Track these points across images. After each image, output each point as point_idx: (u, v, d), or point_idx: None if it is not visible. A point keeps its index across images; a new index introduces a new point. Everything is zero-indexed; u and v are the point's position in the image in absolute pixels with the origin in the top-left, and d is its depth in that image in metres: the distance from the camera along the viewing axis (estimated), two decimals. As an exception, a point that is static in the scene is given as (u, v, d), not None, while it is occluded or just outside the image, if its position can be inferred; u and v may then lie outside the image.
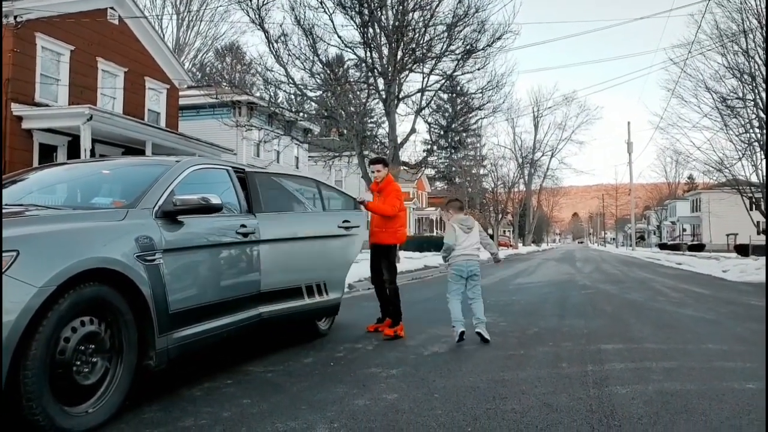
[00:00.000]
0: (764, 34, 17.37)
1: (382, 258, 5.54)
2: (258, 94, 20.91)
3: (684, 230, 54.73)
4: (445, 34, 15.54)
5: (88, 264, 2.65)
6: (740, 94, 19.60)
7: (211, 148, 17.91)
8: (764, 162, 19.28)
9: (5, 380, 2.26)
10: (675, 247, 44.61)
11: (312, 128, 26.24)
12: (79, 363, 2.62)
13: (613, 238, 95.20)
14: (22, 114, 13.77)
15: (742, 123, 20.42)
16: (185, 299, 3.32)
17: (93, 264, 2.68)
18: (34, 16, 14.19)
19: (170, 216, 3.35)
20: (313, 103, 19.43)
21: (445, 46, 15.70)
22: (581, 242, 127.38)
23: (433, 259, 19.79)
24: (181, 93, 20.00)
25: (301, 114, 19.43)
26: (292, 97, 18.04)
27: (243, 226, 4.03)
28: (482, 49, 15.96)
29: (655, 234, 70.82)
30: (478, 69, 16.44)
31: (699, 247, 41.29)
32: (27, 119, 13.88)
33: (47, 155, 14.56)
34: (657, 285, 11.86)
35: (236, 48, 39.88)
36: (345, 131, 17.15)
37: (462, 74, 16.63)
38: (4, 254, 2.33)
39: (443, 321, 6.16)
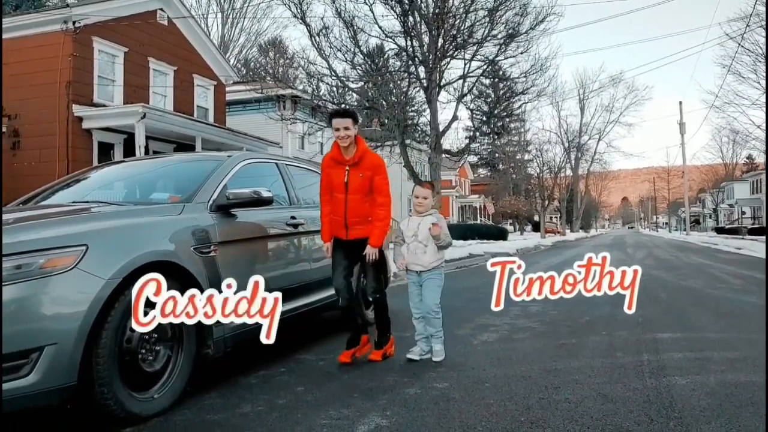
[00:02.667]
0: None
1: (366, 259, 3.83)
2: (301, 88, 21.16)
3: (743, 213, 52.18)
4: (487, 19, 15.29)
5: (150, 257, 2.78)
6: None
7: (257, 142, 18.27)
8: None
9: (81, 367, 2.41)
10: (734, 231, 42.65)
11: (355, 119, 26.32)
12: (144, 351, 2.76)
13: (666, 223, 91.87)
14: (82, 114, 14.42)
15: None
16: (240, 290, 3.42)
17: (154, 257, 2.81)
18: (91, 21, 14.78)
19: (224, 209, 3.47)
20: (354, 94, 19.52)
21: (486, 31, 15.45)
22: (632, 227, 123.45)
23: (478, 247, 19.64)
24: (227, 89, 20.45)
25: (343, 105, 19.55)
26: (334, 89, 18.17)
27: (292, 217, 4.13)
28: (525, 33, 15.64)
29: (711, 218, 67.87)
30: (521, 53, 16.13)
31: (761, 231, 39.34)
32: (87, 119, 14.53)
33: (105, 153, 15.21)
34: (715, 271, 11.38)
35: (279, 42, 40.40)
36: (386, 121, 17.17)
37: (504, 59, 16.37)
38: (75, 248, 2.47)
39: (490, 310, 6.13)
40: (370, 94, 17.42)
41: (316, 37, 14.84)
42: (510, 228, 43.40)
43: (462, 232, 28.10)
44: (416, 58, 15.56)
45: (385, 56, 19.37)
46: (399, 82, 16.86)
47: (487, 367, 3.70)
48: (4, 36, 15.00)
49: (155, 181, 4.06)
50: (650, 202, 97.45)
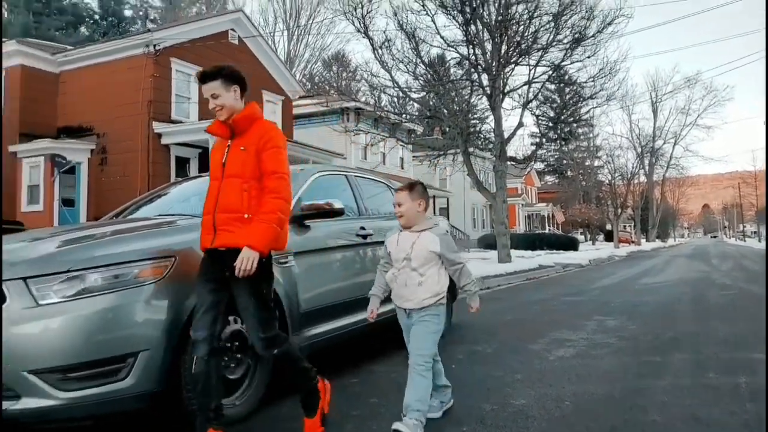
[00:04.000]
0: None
1: (240, 283, 2.49)
2: (363, 99, 21.47)
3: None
4: (552, 24, 14.94)
5: (232, 268, 2.88)
6: None
7: (323, 154, 18.65)
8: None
9: (170, 373, 2.52)
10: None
11: (415, 129, 26.43)
12: (226, 359, 2.85)
13: (755, 232, 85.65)
14: (161, 131, 15.29)
15: None
16: (314, 299, 3.50)
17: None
18: (169, 43, 15.69)
19: (298, 221, 3.55)
20: (415, 104, 19.56)
21: (551, 36, 15.10)
22: (714, 236, 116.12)
23: (547, 257, 19.09)
24: (294, 103, 21.07)
25: (404, 116, 19.65)
26: (395, 99, 18.30)
27: (362, 228, 4.17)
28: (592, 37, 15.15)
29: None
30: (588, 57, 15.61)
31: None
32: (165, 135, 15.37)
33: (182, 166, 16.03)
34: (812, 284, 10.49)
35: (342, 57, 41.26)
36: (448, 129, 17.08)
37: (571, 63, 15.89)
38: (165, 259, 2.60)
39: (564, 324, 5.94)
40: (431, 103, 17.41)
41: (379, 50, 15.03)
42: (580, 237, 41.94)
43: (530, 241, 27.42)
44: (479, 66, 15.42)
45: (447, 65, 19.34)
46: (461, 90, 16.75)
47: (566, 384, 3.57)
48: (95, 61, 16.20)
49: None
50: (735, 210, 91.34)
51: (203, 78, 2.68)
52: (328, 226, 3.80)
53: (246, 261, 2.40)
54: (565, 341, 4.99)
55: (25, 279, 2.40)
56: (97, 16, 36.17)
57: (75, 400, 2.33)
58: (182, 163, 16.10)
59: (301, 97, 21.87)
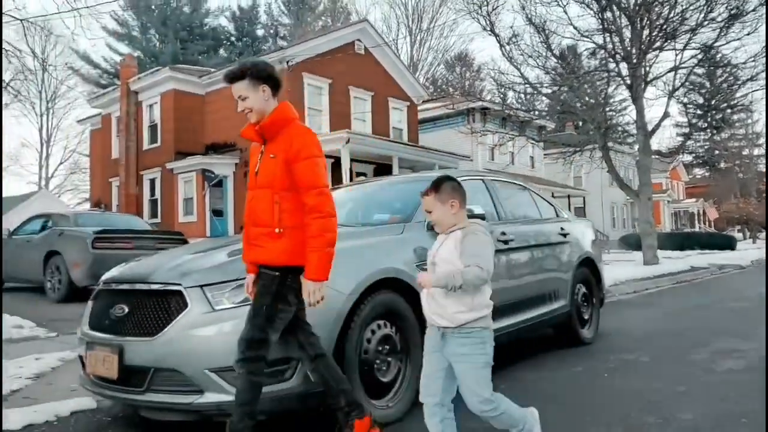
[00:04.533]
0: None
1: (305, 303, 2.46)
2: (488, 98, 21.11)
3: None
4: (702, 1, 13.52)
5: (381, 274, 2.99)
6: None
7: (449, 157, 18.67)
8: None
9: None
10: None
11: (546, 125, 25.41)
12: (378, 362, 2.95)
13: None
14: (296, 143, 16.31)
15: None
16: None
17: (384, 274, 3.02)
18: (300, 59, 16.71)
19: (439, 227, 3.58)
20: (545, 99, 18.82)
21: (702, 15, 13.66)
22: None
23: (700, 258, 17.33)
24: (419, 108, 21.34)
25: (534, 112, 18.98)
26: (522, 96, 17.74)
27: (503, 233, 4.10)
28: (753, 11, 13.45)
29: None
30: (748, 34, 13.87)
31: None
32: (300, 147, 16.37)
33: (316, 176, 16.94)
34: None
35: (465, 57, 40.98)
36: (581, 124, 16.17)
37: (726, 43, 14.25)
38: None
39: (730, 332, 5.36)
40: (562, 97, 16.63)
41: (506, 47, 14.67)
42: (738, 236, 37.49)
43: (677, 241, 25.05)
44: (617, 55, 14.42)
45: (579, 57, 18.36)
46: (597, 81, 15.79)
47: (740, 399, 3.20)
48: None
49: (374, 203, 4.35)
50: None
51: (229, 78, 2.49)
52: (468, 231, 3.79)
53: (312, 295, 2.34)
54: (733, 352, 4.49)
55: (202, 287, 2.68)
56: (233, 38, 39.55)
57: (248, 396, 2.55)
58: (317, 173, 17.01)
59: (425, 101, 22.09)
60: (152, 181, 19.15)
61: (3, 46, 8.21)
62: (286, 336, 2.50)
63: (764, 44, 13.64)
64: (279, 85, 2.51)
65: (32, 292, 9.56)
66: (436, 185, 2.36)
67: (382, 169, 17.96)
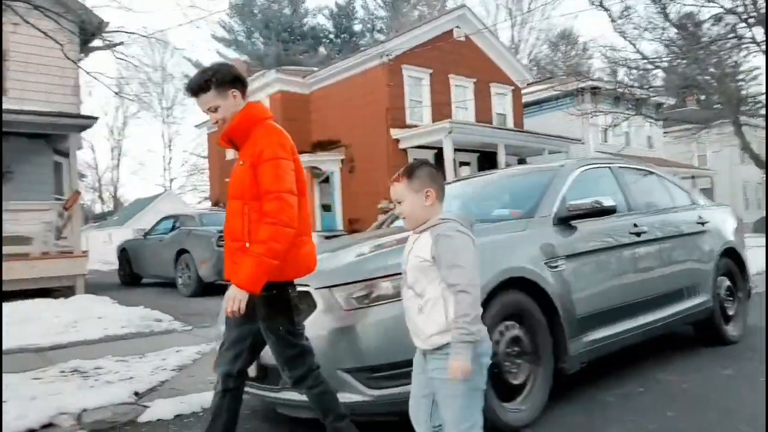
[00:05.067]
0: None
1: (259, 320, 2.31)
2: (596, 77, 19.85)
3: None
4: None
5: (507, 274, 2.88)
6: None
7: (558, 141, 17.88)
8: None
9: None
10: None
11: (664, 102, 23.47)
12: (508, 363, 2.85)
13: None
14: (398, 136, 16.42)
15: None
16: (589, 303, 3.30)
17: (511, 273, 2.90)
18: (400, 51, 16.74)
19: (565, 222, 3.40)
20: (661, 74, 17.32)
21: None
22: None
23: None
24: (522, 91, 20.58)
25: (650, 89, 17.54)
26: (634, 71, 16.43)
27: (635, 225, 3.81)
28: None
29: None
30: None
31: None
32: (402, 140, 16.46)
33: (419, 168, 16.95)
34: None
35: (569, 35, 38.92)
36: (703, 98, 14.70)
37: None
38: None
39: None
40: (680, 70, 15.21)
41: (618, 21, 13.68)
42: None
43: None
44: (750, 19, 12.93)
45: (701, 24, 16.68)
46: (725, 50, 14.28)
47: None
48: (338, 78, 18.12)
49: (491, 198, 4.22)
50: None
51: (192, 91, 2.25)
52: (597, 226, 3.56)
53: (232, 302, 2.10)
54: None
55: (330, 287, 2.72)
56: (331, 36, 40.48)
57: (379, 397, 2.57)
58: (419, 164, 17.01)
59: (529, 84, 21.26)
60: (264, 180, 20.19)
61: (132, 63, 8.98)
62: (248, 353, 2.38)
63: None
64: (246, 85, 2.32)
65: (164, 287, 10.48)
66: (409, 171, 2.00)
67: (486, 157, 17.58)
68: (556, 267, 3.17)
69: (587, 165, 4.01)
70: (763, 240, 17.74)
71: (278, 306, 2.26)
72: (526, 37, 36.64)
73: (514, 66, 20.07)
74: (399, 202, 1.98)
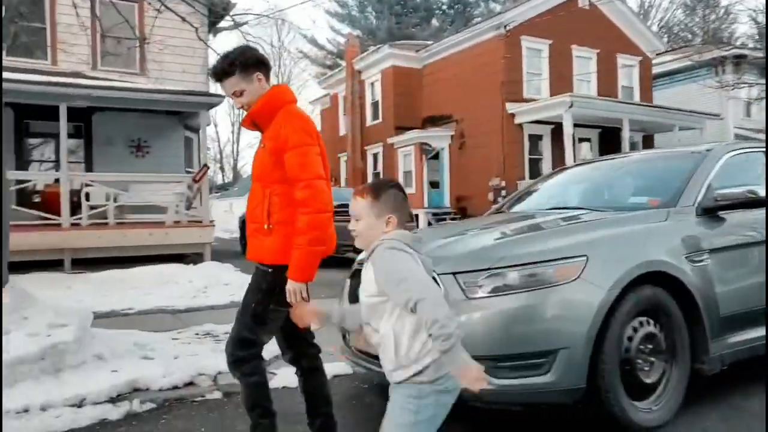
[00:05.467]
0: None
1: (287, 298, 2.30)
2: (739, 43, 17.75)
3: None
4: None
5: (644, 268, 2.71)
6: None
7: (692, 116, 16.37)
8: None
9: (588, 372, 2.52)
10: None
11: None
12: (640, 361, 2.71)
13: None
14: (514, 111, 15.87)
15: None
16: (736, 302, 3.04)
17: (648, 267, 2.73)
18: (518, 22, 16.04)
19: (711, 212, 3.13)
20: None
21: None
22: None
23: None
24: (652, 61, 18.96)
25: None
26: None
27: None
28: None
29: None
30: None
31: None
32: (518, 115, 15.90)
33: (534, 144, 16.37)
34: None
35: (708, -5, 34.97)
36: None
37: None
38: (577, 259, 2.60)
39: None
40: None
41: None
42: None
43: None
44: None
45: None
46: None
47: None
48: (451, 51, 17.79)
49: (625, 184, 3.95)
50: None
51: (217, 76, 2.29)
52: (747, 217, 3.23)
53: (293, 295, 2.17)
54: None
55: (455, 274, 2.71)
56: (444, 7, 39.58)
57: (504, 387, 2.55)
58: (534, 141, 16.40)
59: (659, 54, 19.50)
60: (375, 156, 20.51)
61: (258, 43, 9.44)
62: (283, 342, 2.44)
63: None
64: (270, 68, 2.34)
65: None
66: (375, 191, 1.80)
67: (608, 132, 16.51)
68: (699, 261, 2.93)
69: (737, 149, 3.63)
70: None
71: (264, 285, 2.28)
72: (657, 1, 33.51)
73: (644, 34, 18.46)
74: (357, 219, 1.82)
